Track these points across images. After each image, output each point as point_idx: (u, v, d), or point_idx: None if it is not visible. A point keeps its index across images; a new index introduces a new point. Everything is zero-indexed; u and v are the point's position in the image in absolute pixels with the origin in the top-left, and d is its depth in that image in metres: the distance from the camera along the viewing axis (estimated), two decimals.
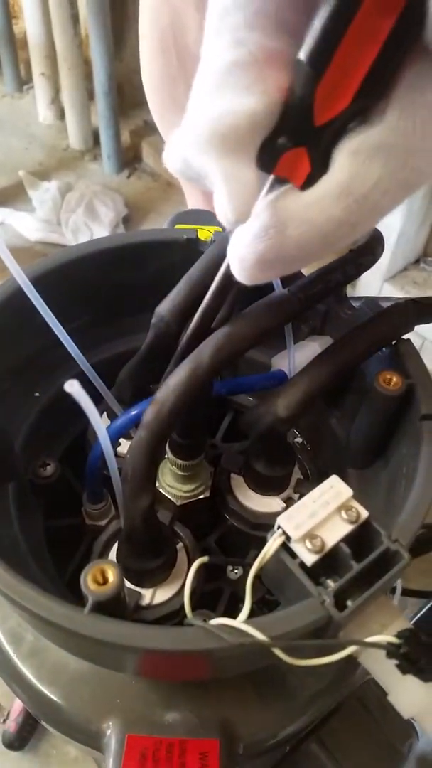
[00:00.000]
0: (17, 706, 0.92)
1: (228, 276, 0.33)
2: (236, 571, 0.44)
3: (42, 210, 1.53)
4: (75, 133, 1.75)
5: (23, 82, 1.95)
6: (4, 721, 0.92)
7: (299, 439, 0.49)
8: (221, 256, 0.40)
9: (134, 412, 0.38)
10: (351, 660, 0.31)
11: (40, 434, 0.45)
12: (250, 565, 0.43)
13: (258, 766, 0.47)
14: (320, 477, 0.46)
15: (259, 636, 0.27)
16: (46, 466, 0.43)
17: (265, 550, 0.30)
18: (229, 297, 0.37)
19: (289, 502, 0.43)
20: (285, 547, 0.30)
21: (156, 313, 0.42)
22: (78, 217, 1.49)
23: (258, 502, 0.43)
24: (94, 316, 0.47)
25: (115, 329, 0.48)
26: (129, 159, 1.72)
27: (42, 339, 0.45)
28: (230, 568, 0.44)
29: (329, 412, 0.46)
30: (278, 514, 0.43)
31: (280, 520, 0.30)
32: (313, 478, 0.45)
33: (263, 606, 0.43)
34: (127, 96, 1.70)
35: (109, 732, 0.39)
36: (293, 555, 0.30)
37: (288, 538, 0.30)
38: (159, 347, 0.43)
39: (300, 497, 0.44)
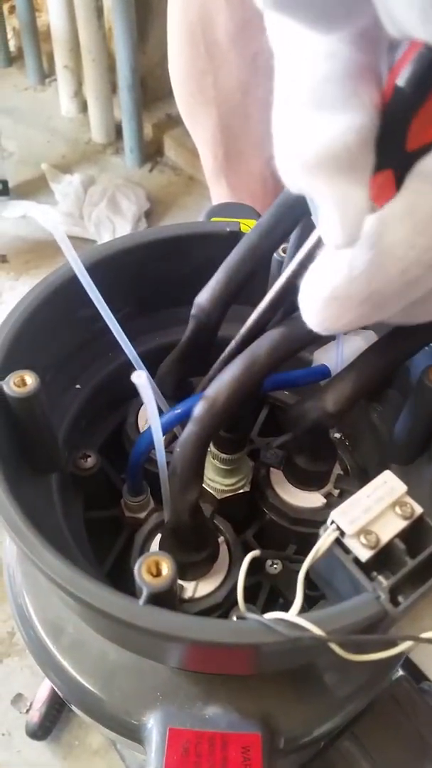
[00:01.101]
0: (40, 696, 0.92)
1: (284, 289, 0.33)
2: (275, 565, 0.44)
3: (65, 203, 1.53)
4: (97, 127, 1.75)
5: (46, 75, 1.95)
6: (27, 711, 0.92)
7: (338, 435, 0.48)
8: (258, 243, 0.39)
9: (183, 408, 0.38)
10: (396, 657, 0.31)
11: (81, 426, 0.45)
12: (292, 560, 0.43)
13: (293, 761, 0.47)
14: (360, 472, 0.46)
15: (316, 630, 0.27)
16: (86, 457, 0.43)
17: (318, 544, 0.30)
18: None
19: (329, 497, 0.43)
20: (338, 542, 0.30)
21: (195, 303, 0.42)
22: (101, 210, 1.48)
23: (298, 497, 0.43)
24: (134, 307, 0.47)
25: (155, 321, 0.48)
26: (151, 152, 1.71)
27: (83, 331, 0.45)
28: (269, 562, 0.44)
29: (370, 406, 0.46)
30: (319, 509, 0.43)
31: (334, 515, 0.30)
32: (353, 474, 0.45)
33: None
34: (149, 89, 1.69)
35: (150, 725, 0.39)
36: (347, 550, 0.30)
37: (342, 533, 0.30)
38: (199, 338, 0.43)
39: (341, 493, 0.44)
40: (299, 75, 0.22)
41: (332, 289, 0.25)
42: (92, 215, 1.48)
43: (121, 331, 0.35)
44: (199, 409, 0.33)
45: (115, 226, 1.49)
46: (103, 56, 1.65)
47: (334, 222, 0.23)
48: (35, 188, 1.63)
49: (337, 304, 0.26)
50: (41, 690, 0.92)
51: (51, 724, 0.91)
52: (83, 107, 1.81)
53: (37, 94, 1.93)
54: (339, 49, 0.21)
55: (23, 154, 1.74)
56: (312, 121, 0.21)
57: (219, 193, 0.85)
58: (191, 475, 0.34)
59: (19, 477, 0.36)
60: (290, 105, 0.22)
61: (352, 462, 0.47)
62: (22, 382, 0.34)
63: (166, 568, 0.29)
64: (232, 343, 0.36)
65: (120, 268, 0.43)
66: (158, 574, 0.29)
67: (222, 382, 0.33)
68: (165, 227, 0.45)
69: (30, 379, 0.35)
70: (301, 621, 0.27)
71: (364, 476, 0.44)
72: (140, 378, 0.28)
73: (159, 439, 0.33)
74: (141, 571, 0.28)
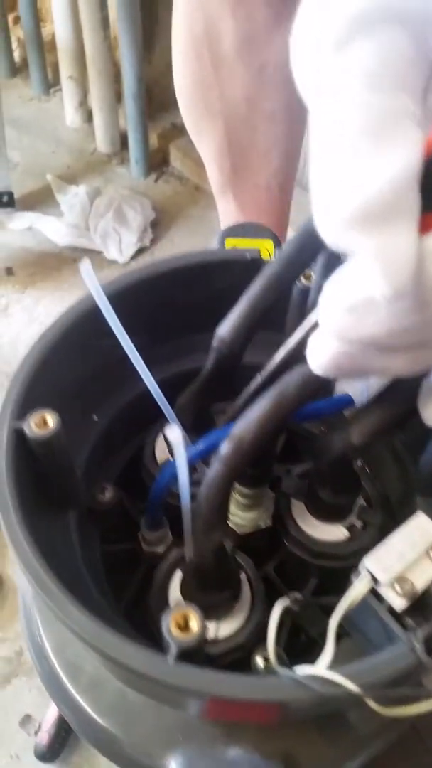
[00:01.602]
0: (49, 718, 0.91)
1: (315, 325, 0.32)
2: (297, 601, 0.43)
3: (71, 215, 1.52)
4: (102, 137, 1.74)
5: (50, 85, 1.94)
6: (36, 733, 0.91)
7: (359, 463, 0.47)
8: (280, 273, 0.39)
9: (205, 445, 0.37)
10: None
11: (98, 459, 0.44)
12: (315, 597, 0.42)
13: None
14: (383, 503, 0.45)
15: (351, 686, 0.26)
16: (104, 491, 0.42)
17: (352, 594, 0.29)
18: None
19: (352, 529, 0.42)
20: (372, 591, 0.29)
21: (217, 336, 0.41)
22: (107, 222, 1.48)
23: (320, 530, 0.42)
24: (153, 335, 0.46)
25: (173, 349, 0.48)
26: (157, 162, 1.71)
27: (100, 362, 0.45)
28: (291, 597, 0.43)
29: (394, 435, 0.45)
30: (341, 542, 0.42)
31: (367, 563, 0.29)
32: (376, 504, 0.44)
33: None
34: (155, 99, 1.69)
35: None
36: (380, 599, 0.29)
37: (376, 581, 0.29)
38: (221, 370, 0.42)
39: (364, 525, 0.43)
40: (330, 129, 0.21)
41: (351, 303, 0.25)
42: (98, 226, 1.48)
43: (144, 367, 0.34)
44: (226, 448, 0.32)
45: (121, 236, 1.48)
46: (109, 66, 1.64)
47: (378, 276, 0.22)
48: (41, 199, 1.62)
49: (352, 318, 0.25)
50: (50, 711, 0.91)
51: (60, 746, 0.89)
52: (88, 117, 1.81)
53: (42, 105, 1.93)
54: (372, 100, 0.21)
55: (28, 164, 1.73)
56: (344, 177, 0.21)
57: (226, 207, 0.84)
58: (217, 515, 0.33)
59: (38, 515, 0.35)
60: (322, 161, 0.22)
61: (374, 492, 0.46)
62: (43, 423, 0.34)
63: (195, 622, 0.28)
64: (258, 378, 0.35)
65: (140, 297, 0.42)
66: (186, 626, 0.28)
67: (250, 420, 0.32)
68: (185, 255, 0.44)
69: (51, 420, 0.34)
70: (336, 677, 0.26)
71: (387, 507, 0.43)
72: (174, 435, 0.27)
73: (185, 480, 0.32)
74: (170, 626, 0.27)
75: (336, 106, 0.21)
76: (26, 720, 0.93)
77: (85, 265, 0.31)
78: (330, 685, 0.26)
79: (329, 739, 0.40)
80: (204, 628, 0.27)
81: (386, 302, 0.23)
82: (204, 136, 0.78)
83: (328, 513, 0.42)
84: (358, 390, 0.41)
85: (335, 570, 0.42)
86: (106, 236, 1.48)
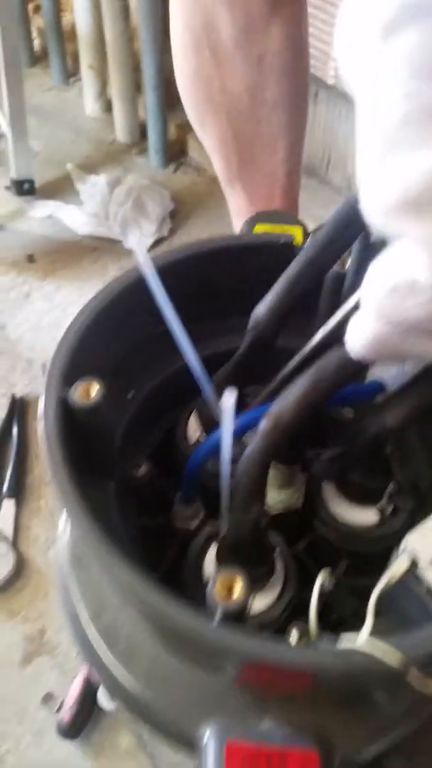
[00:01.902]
0: (71, 696, 0.93)
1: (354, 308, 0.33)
2: (329, 581, 0.44)
3: (90, 204, 1.54)
4: (122, 127, 1.75)
5: (70, 74, 1.95)
6: (58, 710, 0.93)
7: (389, 449, 0.48)
8: (317, 257, 0.39)
9: (240, 423, 0.38)
10: None
11: (133, 435, 0.46)
12: (346, 578, 0.43)
13: None
14: (413, 489, 0.46)
15: (393, 662, 0.27)
16: (139, 466, 0.43)
17: (391, 573, 0.30)
18: None
19: (382, 514, 0.43)
20: (411, 571, 0.30)
21: (253, 316, 0.42)
22: (126, 211, 1.49)
23: (351, 513, 0.43)
24: (186, 317, 0.47)
25: (205, 331, 0.48)
26: (175, 153, 1.71)
27: (136, 340, 0.46)
28: (327, 576, 0.44)
29: (422, 419, 0.46)
30: (372, 526, 0.43)
31: (407, 543, 0.30)
32: (406, 490, 0.44)
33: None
34: (174, 89, 1.69)
35: (206, 736, 0.39)
36: (420, 580, 0.30)
37: (416, 561, 0.30)
38: (256, 351, 0.43)
39: (394, 510, 0.44)
40: (375, 117, 0.22)
41: (395, 285, 0.25)
42: (118, 216, 1.49)
43: (187, 341, 0.35)
44: (265, 425, 0.33)
45: (141, 226, 1.49)
46: (129, 56, 1.65)
47: (425, 262, 0.23)
48: (60, 188, 1.64)
49: (396, 299, 0.26)
50: (72, 690, 0.93)
51: (82, 724, 0.92)
52: (108, 107, 1.82)
53: (62, 94, 1.94)
54: (418, 88, 0.21)
55: (48, 153, 1.74)
56: (391, 164, 0.21)
57: (236, 200, 0.85)
58: (254, 490, 0.34)
59: (82, 483, 0.36)
60: (368, 148, 0.22)
61: (404, 478, 0.47)
62: (87, 393, 0.35)
63: (240, 586, 0.29)
64: (295, 360, 0.36)
65: (175, 279, 0.43)
66: (231, 590, 0.29)
67: (288, 398, 0.33)
68: (220, 238, 0.45)
69: (95, 389, 0.35)
70: (378, 651, 0.27)
71: (417, 493, 0.44)
72: (229, 400, 0.28)
73: (227, 459, 0.33)
74: (216, 589, 0.28)
75: (383, 93, 0.21)
76: (48, 698, 0.95)
77: (135, 238, 0.32)
78: (370, 660, 0.27)
79: (359, 717, 0.41)
80: (248, 593, 0.28)
81: (430, 286, 0.24)
82: (208, 130, 0.78)
83: (358, 496, 0.43)
84: (392, 376, 0.42)
85: (365, 553, 0.43)
86: (126, 225, 1.49)
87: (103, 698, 0.89)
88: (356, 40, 0.22)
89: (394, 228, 0.23)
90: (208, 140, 0.80)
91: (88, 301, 0.41)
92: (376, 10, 0.21)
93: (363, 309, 0.27)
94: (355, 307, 0.33)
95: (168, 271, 0.43)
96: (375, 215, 0.23)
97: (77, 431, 0.36)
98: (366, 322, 0.28)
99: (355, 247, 0.39)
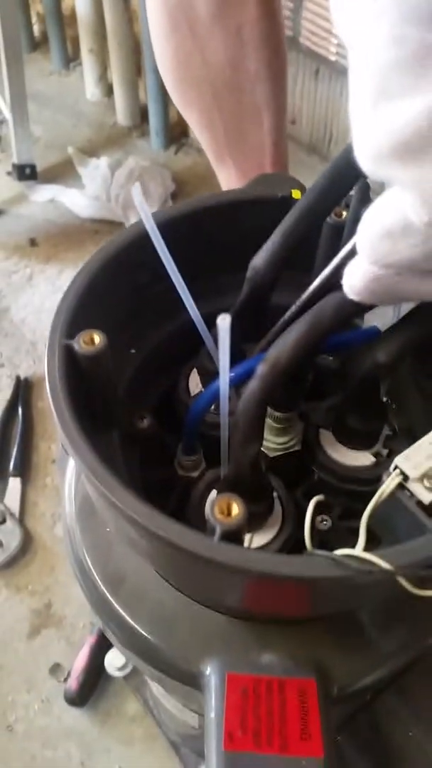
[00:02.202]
0: (78, 665, 0.94)
1: (350, 254, 0.34)
2: (325, 522, 0.45)
3: (92, 187, 1.55)
4: (123, 110, 1.76)
5: (70, 59, 1.96)
6: (65, 679, 0.95)
7: (385, 398, 0.49)
8: (313, 206, 0.40)
9: (241, 370, 0.39)
10: None
11: (136, 390, 0.47)
12: (341, 517, 0.44)
13: (343, 712, 0.48)
14: (408, 434, 0.47)
15: (385, 565, 0.28)
16: (143, 418, 0.45)
17: (382, 488, 0.31)
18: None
19: (378, 456, 0.44)
20: (402, 486, 0.31)
21: (251, 266, 0.43)
22: (128, 193, 1.50)
23: (347, 456, 0.44)
24: (186, 273, 0.48)
25: (205, 288, 0.49)
26: (176, 135, 1.72)
27: (138, 296, 0.47)
28: (319, 518, 0.46)
29: (417, 367, 0.47)
30: (368, 468, 0.44)
31: (397, 461, 0.31)
32: (402, 434, 0.46)
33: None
34: None
35: (208, 672, 0.41)
36: (410, 494, 0.31)
37: (405, 477, 0.31)
38: (254, 301, 0.44)
39: (389, 453, 0.45)
40: (366, 64, 0.21)
41: (389, 228, 0.26)
42: (120, 198, 1.50)
43: (188, 293, 0.36)
44: (262, 366, 0.34)
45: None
46: (129, 39, 1.65)
47: (417, 205, 0.23)
48: (62, 172, 1.65)
49: (390, 242, 0.26)
50: (79, 659, 0.95)
51: (89, 691, 0.93)
52: (108, 91, 1.83)
53: (62, 79, 1.95)
54: (406, 33, 0.21)
55: (49, 138, 1.75)
56: (381, 110, 0.21)
57: (227, 174, 0.85)
58: (253, 429, 0.36)
59: (88, 429, 0.37)
60: (360, 95, 0.22)
61: (399, 423, 0.48)
62: (91, 341, 0.36)
63: (237, 508, 0.30)
64: (294, 307, 0.37)
65: (175, 234, 0.44)
66: (229, 514, 0.30)
67: (286, 341, 0.34)
68: (217, 194, 0.46)
69: (98, 338, 0.36)
70: (371, 556, 0.28)
71: (412, 436, 0.45)
72: (224, 322, 0.29)
73: (225, 390, 0.34)
74: (214, 510, 0.30)
75: (372, 39, 0.21)
76: (56, 668, 0.97)
77: (137, 191, 0.33)
78: (365, 564, 0.28)
79: (354, 651, 0.43)
80: (245, 513, 0.30)
81: (423, 227, 0.24)
82: (193, 106, 0.78)
83: (355, 440, 0.44)
84: (387, 322, 0.43)
85: (361, 494, 0.44)
86: (128, 208, 1.50)
87: (110, 666, 0.91)
88: None
89: (385, 174, 0.23)
90: (194, 116, 0.80)
91: (91, 256, 0.42)
92: None
93: (358, 254, 0.28)
94: (352, 253, 0.35)
95: (167, 227, 0.44)
96: (366, 161, 0.23)
97: (81, 379, 0.38)
98: (361, 265, 0.28)
99: (354, 195, 0.40)
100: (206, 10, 0.68)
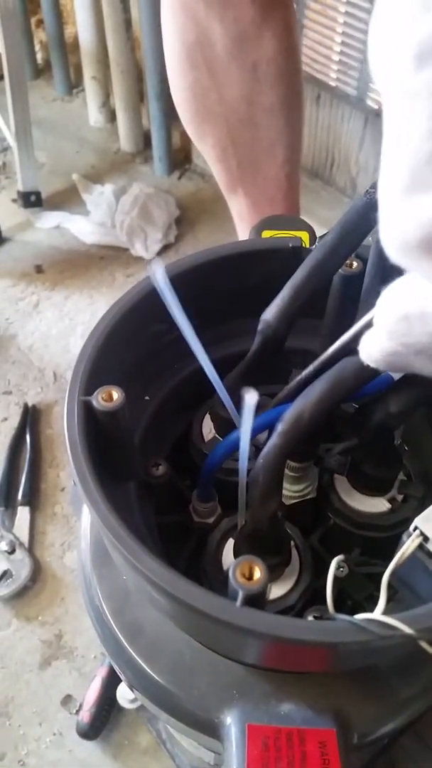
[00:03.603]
0: (90, 697, 0.94)
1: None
2: (342, 568, 0.45)
3: (97, 213, 1.56)
4: (126, 136, 1.78)
5: (73, 85, 1.98)
6: (77, 711, 0.95)
7: (399, 440, 0.50)
8: (324, 260, 0.41)
9: (258, 423, 0.39)
10: None
11: (151, 436, 0.47)
12: (359, 563, 0.44)
13: (362, 758, 0.48)
14: (424, 478, 0.47)
15: (406, 629, 0.29)
16: (158, 466, 0.45)
17: (402, 549, 0.32)
18: None
19: (393, 502, 0.45)
20: (422, 547, 0.32)
21: (262, 319, 0.44)
22: (133, 219, 1.51)
23: (363, 503, 0.45)
24: (199, 320, 0.48)
25: (219, 333, 0.50)
26: (179, 160, 1.74)
27: (153, 344, 0.47)
28: (337, 566, 0.46)
29: (430, 411, 0.47)
30: (383, 514, 0.45)
31: (418, 522, 0.32)
32: (417, 479, 0.46)
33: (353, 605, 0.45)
34: None
35: (228, 722, 0.41)
36: (430, 555, 0.31)
37: (426, 538, 0.31)
38: (266, 353, 0.45)
39: (404, 498, 0.45)
40: (403, 150, 0.21)
41: (406, 313, 0.26)
42: (124, 224, 1.51)
43: (201, 348, 0.37)
44: (285, 424, 0.35)
45: (147, 234, 1.51)
46: (131, 66, 1.68)
47: None
48: (67, 198, 1.66)
49: (407, 325, 0.27)
50: (91, 691, 0.95)
51: (101, 724, 0.93)
52: (111, 117, 1.85)
53: (66, 105, 1.97)
54: None
55: (54, 164, 1.77)
56: (414, 202, 0.21)
57: (238, 205, 0.86)
58: (273, 485, 0.36)
59: (106, 482, 0.38)
60: (392, 180, 0.22)
61: (414, 468, 0.48)
62: (110, 397, 0.36)
63: (259, 571, 0.31)
64: (311, 367, 0.38)
65: (189, 284, 0.45)
66: (251, 576, 0.31)
67: (309, 398, 0.34)
68: (230, 245, 0.47)
69: (116, 394, 0.37)
70: (392, 620, 0.29)
71: (427, 481, 0.45)
72: (251, 398, 0.29)
73: (245, 458, 0.34)
74: (236, 574, 0.30)
75: (412, 128, 0.20)
76: (67, 700, 0.97)
77: (160, 272, 0.34)
78: (386, 628, 0.29)
79: (374, 698, 0.43)
80: (267, 577, 0.30)
81: None
82: (207, 140, 0.80)
83: (369, 486, 0.45)
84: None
85: (377, 540, 0.45)
86: (132, 234, 1.51)
87: (122, 698, 0.91)
88: (387, 65, 0.21)
89: (410, 264, 0.23)
90: (208, 150, 0.82)
91: (106, 312, 0.43)
92: (410, 37, 0.20)
93: (376, 328, 0.29)
94: (369, 324, 0.35)
95: (179, 279, 0.45)
96: (392, 248, 0.23)
97: (99, 434, 0.38)
98: (378, 340, 0.29)
99: (372, 253, 0.40)
100: (223, 46, 0.69)
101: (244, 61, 0.71)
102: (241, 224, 0.88)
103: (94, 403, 0.36)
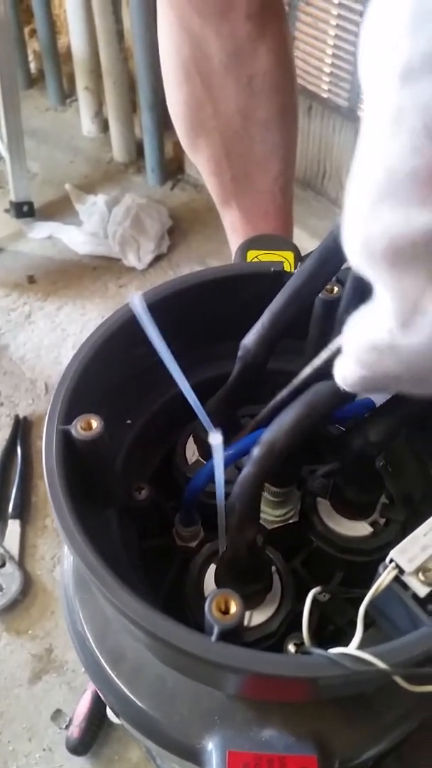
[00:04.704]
0: (80, 712, 0.94)
1: None
2: (324, 594, 0.45)
3: (89, 223, 1.56)
4: (119, 146, 1.78)
5: (66, 95, 1.99)
6: (67, 726, 0.94)
7: (381, 463, 0.50)
8: (302, 286, 0.41)
9: (235, 450, 0.39)
10: None
11: (133, 460, 0.47)
12: (341, 590, 0.44)
13: None
14: (405, 501, 0.47)
15: (381, 664, 0.29)
16: (140, 490, 0.45)
17: (378, 582, 0.32)
18: None
19: (375, 526, 0.45)
20: (397, 579, 0.32)
21: (242, 345, 0.44)
22: (125, 230, 1.51)
23: (345, 526, 0.45)
24: (182, 343, 0.48)
25: (201, 356, 0.50)
26: (172, 171, 1.74)
27: (134, 368, 0.47)
28: (317, 590, 0.46)
29: (413, 434, 0.47)
30: (365, 538, 0.45)
31: (393, 555, 0.32)
32: (399, 502, 0.46)
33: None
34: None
35: (209, 748, 0.41)
36: (405, 587, 0.32)
37: (401, 571, 0.31)
38: (246, 378, 0.45)
39: (387, 522, 0.45)
40: (380, 164, 0.21)
41: (373, 344, 0.26)
42: (117, 235, 1.51)
43: (181, 374, 0.37)
44: (258, 452, 0.35)
45: (140, 244, 1.52)
46: (124, 77, 1.68)
47: (390, 311, 0.24)
48: (60, 209, 1.66)
49: (376, 354, 0.26)
50: (80, 706, 0.94)
51: (91, 739, 0.93)
52: (104, 127, 1.85)
53: (58, 115, 1.97)
54: (426, 145, 0.20)
55: (46, 174, 1.77)
56: (385, 212, 0.21)
57: (231, 218, 0.86)
58: (249, 513, 0.36)
59: (86, 511, 0.38)
60: (366, 187, 0.22)
61: (396, 490, 0.48)
62: (89, 426, 0.36)
63: (234, 605, 0.31)
64: (285, 391, 0.38)
65: (171, 308, 0.45)
66: (227, 610, 0.31)
67: (281, 425, 0.34)
68: (213, 269, 0.47)
69: (95, 423, 0.37)
70: (367, 656, 0.29)
71: (409, 505, 0.45)
72: (216, 440, 0.29)
73: (220, 479, 0.34)
74: (211, 608, 0.30)
75: (393, 141, 0.20)
76: (57, 715, 0.96)
77: (137, 301, 0.34)
78: (361, 663, 0.29)
79: (357, 723, 0.43)
80: (243, 611, 0.30)
81: (406, 348, 0.24)
82: (202, 152, 0.80)
83: (352, 510, 0.45)
84: (380, 395, 0.44)
85: (359, 564, 0.45)
86: (125, 244, 1.51)
87: (112, 712, 0.90)
88: (374, 80, 0.21)
89: (371, 273, 0.23)
90: (202, 163, 0.82)
91: (87, 337, 0.43)
92: (398, 52, 0.20)
93: (345, 356, 0.29)
94: (339, 350, 0.35)
95: (161, 304, 0.45)
96: (355, 253, 0.23)
97: (79, 462, 0.38)
98: (349, 367, 0.29)
99: (350, 278, 0.40)
100: (219, 60, 0.69)
101: (239, 75, 0.71)
102: (234, 237, 0.89)
103: (73, 432, 0.36)
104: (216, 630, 0.30)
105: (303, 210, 1.49)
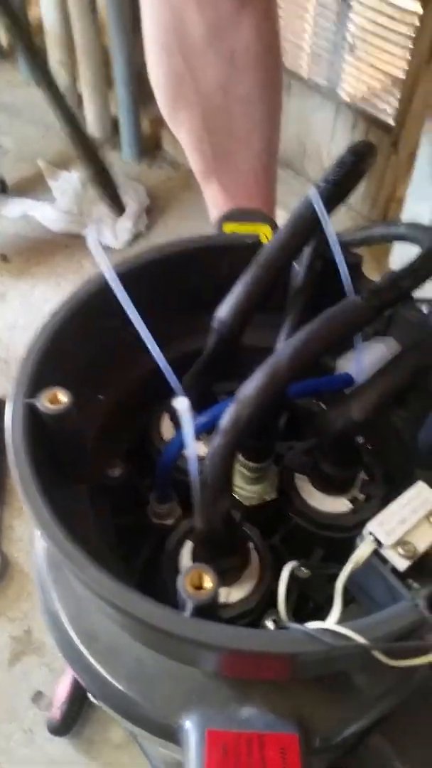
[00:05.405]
0: (60, 694, 0.93)
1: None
2: (304, 570, 0.44)
3: (63, 200, 1.53)
4: (93, 122, 1.74)
5: None
6: (48, 708, 0.94)
7: (361, 440, 0.49)
8: (274, 255, 0.40)
9: (207, 418, 0.38)
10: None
11: (106, 437, 0.46)
12: (320, 566, 0.44)
13: (326, 759, 0.48)
14: (385, 477, 0.47)
15: (360, 639, 0.28)
16: (114, 467, 0.44)
17: (356, 556, 0.31)
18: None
19: (354, 502, 0.44)
20: (376, 553, 0.31)
21: (215, 317, 0.42)
22: (101, 208, 1.48)
23: (324, 503, 0.44)
24: (157, 316, 0.47)
25: (177, 329, 0.49)
26: (149, 147, 1.71)
27: (105, 342, 0.46)
28: (297, 566, 0.45)
29: (393, 411, 0.47)
30: (345, 514, 0.44)
31: (371, 527, 0.31)
32: (378, 479, 0.45)
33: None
34: (146, 84, 1.69)
35: (188, 727, 0.40)
36: (384, 560, 0.31)
37: (380, 544, 0.31)
38: (221, 351, 0.44)
39: (366, 498, 0.45)
40: None
41: None
42: (92, 212, 1.48)
43: (154, 343, 0.36)
44: (225, 421, 0.34)
45: (116, 222, 1.49)
46: (98, 51, 1.64)
47: None
48: (33, 185, 1.63)
49: None
50: (61, 688, 0.94)
51: (72, 720, 0.92)
52: (78, 102, 1.80)
53: (32, 90, 1.92)
54: None
55: (19, 150, 1.73)
56: None
57: (213, 193, 0.85)
58: (221, 484, 0.35)
59: (53, 488, 0.36)
60: None
61: (376, 467, 0.48)
62: (56, 399, 0.35)
63: (209, 580, 0.30)
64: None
65: (145, 279, 0.44)
66: (200, 586, 0.30)
67: (246, 393, 0.33)
68: (187, 240, 0.45)
69: (63, 397, 0.35)
70: (345, 630, 0.28)
71: (389, 481, 0.45)
72: (182, 405, 0.28)
73: (193, 457, 0.33)
74: (185, 584, 0.29)
75: None
76: (38, 696, 0.96)
77: (93, 238, 0.33)
78: (339, 638, 0.28)
79: (338, 700, 0.42)
80: (217, 586, 0.29)
81: None
82: (183, 126, 0.79)
83: (331, 486, 0.44)
84: (358, 369, 0.43)
85: (339, 540, 0.44)
86: (100, 222, 1.48)
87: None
88: None
89: None
90: (183, 136, 0.80)
91: (57, 306, 0.42)
92: None
93: None
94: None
95: (136, 274, 0.44)
96: None
97: (46, 438, 0.37)
98: None
99: (309, 246, 0.39)
100: (200, 33, 0.68)
101: (220, 49, 0.70)
102: (215, 211, 0.88)
103: (39, 405, 0.35)
104: (190, 605, 0.29)
105: (283, 189, 1.47)
